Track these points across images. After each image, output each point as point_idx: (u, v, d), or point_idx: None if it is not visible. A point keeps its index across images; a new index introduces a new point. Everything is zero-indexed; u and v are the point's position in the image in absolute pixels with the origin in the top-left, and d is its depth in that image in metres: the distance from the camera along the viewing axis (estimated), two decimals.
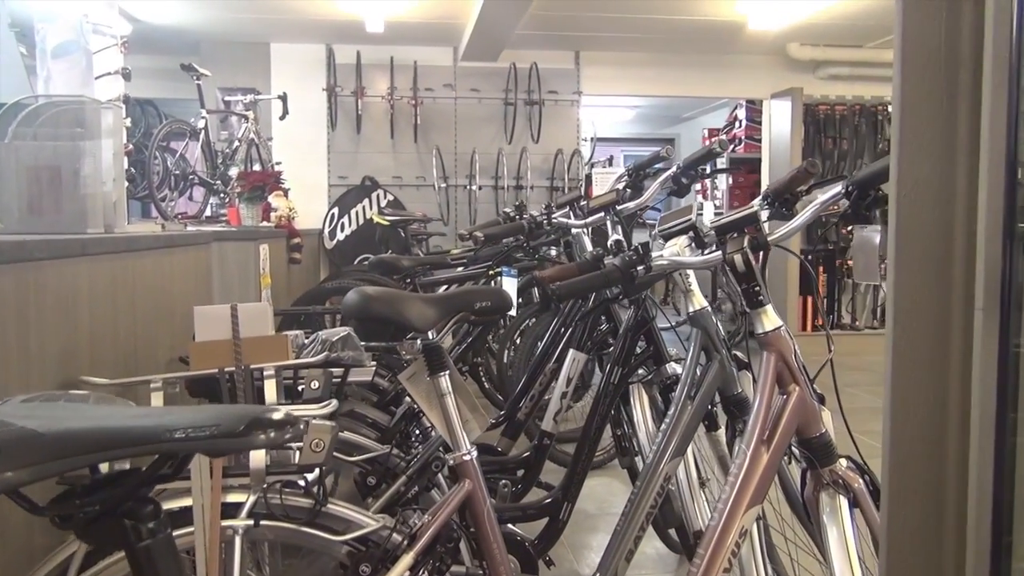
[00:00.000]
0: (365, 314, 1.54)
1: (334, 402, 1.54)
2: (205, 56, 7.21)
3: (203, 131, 5.60)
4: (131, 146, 3.76)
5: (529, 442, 3.05)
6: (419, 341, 1.62)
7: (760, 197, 2.05)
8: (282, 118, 6.35)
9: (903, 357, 1.16)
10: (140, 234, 2.38)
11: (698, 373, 2.02)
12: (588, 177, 7.78)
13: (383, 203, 7.49)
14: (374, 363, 2.27)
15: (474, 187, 7.61)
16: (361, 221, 7.48)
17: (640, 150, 14.48)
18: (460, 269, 5.53)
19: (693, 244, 2.06)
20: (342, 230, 7.47)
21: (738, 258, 1.64)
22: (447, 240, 7.35)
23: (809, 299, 8.07)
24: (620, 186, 2.90)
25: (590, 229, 2.89)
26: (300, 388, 1.87)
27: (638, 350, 2.45)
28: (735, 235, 1.71)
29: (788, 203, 1.97)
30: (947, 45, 1.14)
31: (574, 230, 2.85)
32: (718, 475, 2.43)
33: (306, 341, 2.33)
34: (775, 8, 6.24)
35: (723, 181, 9.43)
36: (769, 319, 1.63)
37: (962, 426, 1.11)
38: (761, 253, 1.76)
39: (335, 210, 7.48)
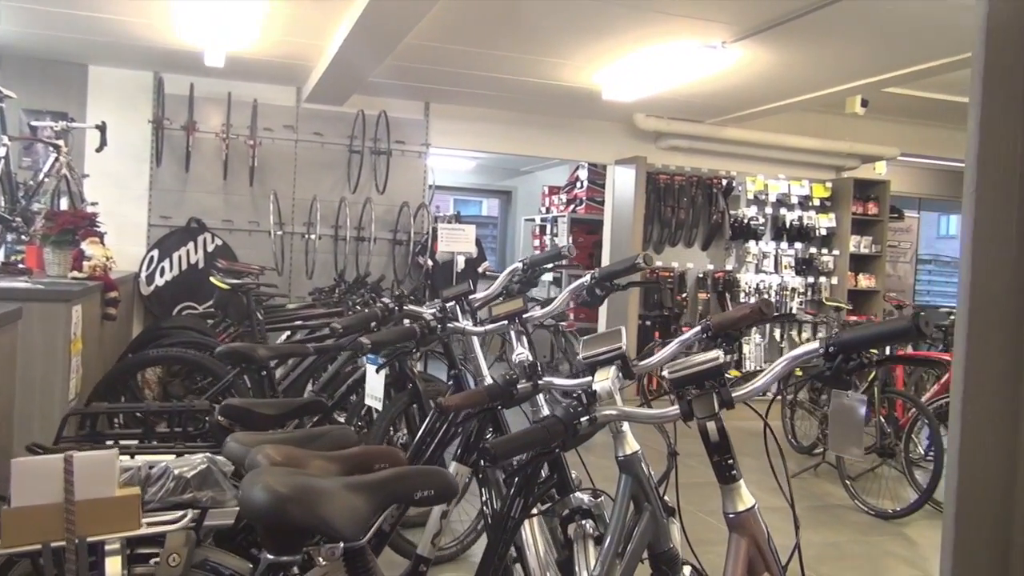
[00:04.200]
0: (278, 521, 1.16)
1: None
2: (9, 73, 6.34)
3: (3, 160, 4.86)
4: None
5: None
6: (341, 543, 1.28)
7: (700, 328, 1.86)
8: (99, 150, 5.65)
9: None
10: None
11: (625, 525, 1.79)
12: (434, 231, 7.51)
13: (210, 247, 6.87)
14: (237, 503, 1.88)
15: (313, 236, 7.15)
16: (184, 266, 6.82)
17: (476, 200, 14.45)
18: (306, 336, 5.09)
19: (621, 375, 1.84)
20: (162, 275, 6.77)
21: (712, 426, 1.42)
22: (285, 289, 6.83)
23: None
24: (513, 280, 2.66)
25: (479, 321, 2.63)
26: (152, 562, 1.46)
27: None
28: (696, 390, 1.50)
29: (731, 339, 1.81)
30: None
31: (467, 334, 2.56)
32: None
33: (152, 471, 1.90)
34: (629, 82, 6.30)
35: (564, 239, 9.47)
36: (742, 498, 1.43)
37: None
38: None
39: (155, 252, 6.78)
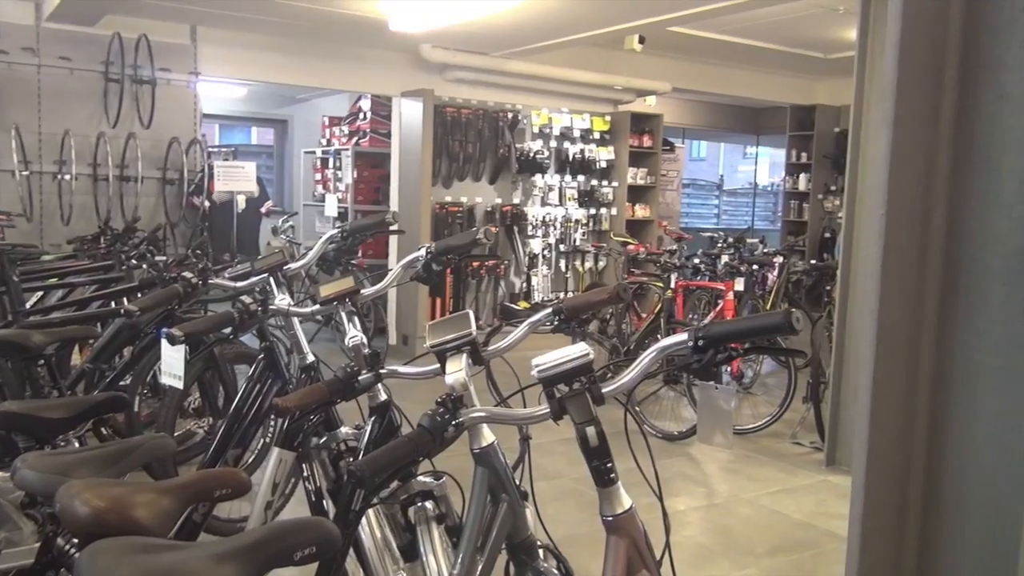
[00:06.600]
0: None
1: None
2: None
3: None
4: None
5: None
6: None
7: (551, 311, 1.81)
8: None
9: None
10: None
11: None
12: (210, 169, 6.93)
13: None
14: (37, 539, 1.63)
15: (67, 176, 6.34)
16: None
17: (244, 127, 13.56)
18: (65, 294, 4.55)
19: (471, 361, 1.76)
20: None
21: (591, 432, 1.37)
22: (33, 236, 6.04)
23: (438, 300, 8.16)
24: (331, 247, 2.47)
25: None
26: None
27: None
28: (567, 388, 1.44)
29: (584, 323, 1.76)
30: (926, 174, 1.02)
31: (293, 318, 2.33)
32: None
33: None
34: (417, 11, 6.05)
35: (348, 174, 9.11)
36: (620, 500, 1.40)
37: None
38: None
39: None
